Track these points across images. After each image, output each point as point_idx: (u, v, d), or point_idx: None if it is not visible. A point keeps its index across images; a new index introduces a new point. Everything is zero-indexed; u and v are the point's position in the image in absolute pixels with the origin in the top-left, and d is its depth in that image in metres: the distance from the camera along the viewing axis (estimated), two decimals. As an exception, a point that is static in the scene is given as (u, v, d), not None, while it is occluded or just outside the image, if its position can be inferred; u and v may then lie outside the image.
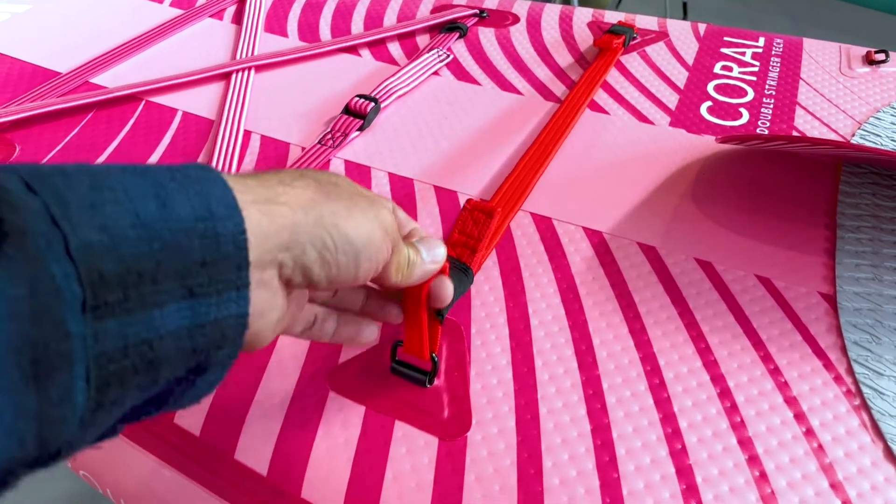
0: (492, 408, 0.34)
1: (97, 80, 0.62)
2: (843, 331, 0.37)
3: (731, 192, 0.47)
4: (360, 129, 0.54)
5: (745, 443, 0.32)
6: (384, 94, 0.57)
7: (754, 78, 0.60)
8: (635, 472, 0.31)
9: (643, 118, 0.55)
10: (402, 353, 0.35)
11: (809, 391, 0.34)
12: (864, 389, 0.34)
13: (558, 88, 0.59)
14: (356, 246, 0.24)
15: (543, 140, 0.51)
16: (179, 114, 0.57)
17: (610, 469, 0.31)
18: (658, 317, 0.38)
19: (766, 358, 0.36)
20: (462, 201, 0.47)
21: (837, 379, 0.35)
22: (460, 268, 0.37)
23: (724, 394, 0.34)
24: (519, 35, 0.68)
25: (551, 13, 0.72)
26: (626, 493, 0.30)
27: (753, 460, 0.31)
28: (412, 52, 0.66)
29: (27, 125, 0.56)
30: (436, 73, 0.62)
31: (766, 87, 0.58)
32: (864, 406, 0.34)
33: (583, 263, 0.42)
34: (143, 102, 0.59)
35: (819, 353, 0.36)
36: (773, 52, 0.63)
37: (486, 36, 0.68)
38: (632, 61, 0.63)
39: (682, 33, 0.67)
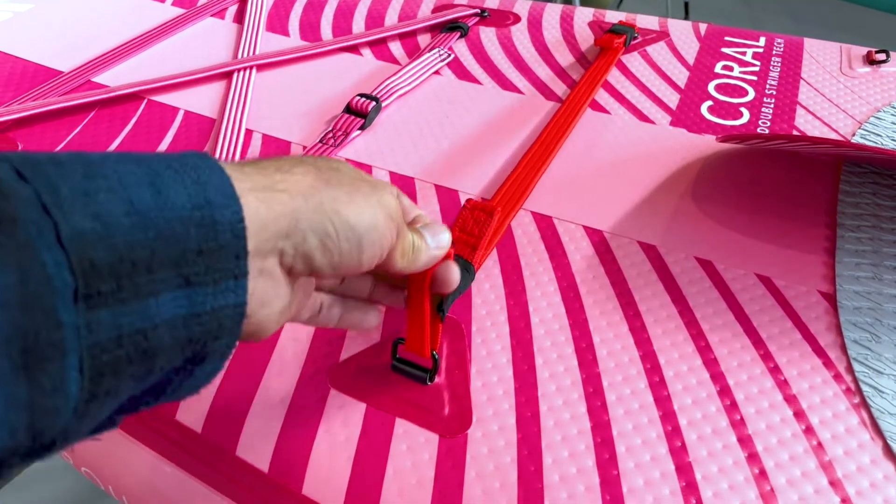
0: (492, 405, 0.34)
1: (99, 78, 0.63)
2: (842, 329, 0.37)
3: (731, 192, 0.47)
4: (362, 128, 0.54)
5: (745, 440, 0.32)
6: (385, 93, 0.57)
7: (755, 77, 0.60)
8: (635, 469, 0.31)
9: (644, 117, 0.55)
10: (402, 351, 0.35)
11: (809, 389, 0.34)
12: (864, 387, 0.34)
13: (559, 88, 0.60)
14: (358, 232, 0.23)
15: (544, 139, 0.51)
16: (181, 113, 0.58)
17: (610, 466, 0.31)
18: (658, 315, 0.38)
19: (766, 356, 0.36)
20: (463, 200, 0.47)
21: (837, 377, 0.35)
22: (461, 265, 0.37)
23: (724, 392, 0.34)
24: (520, 34, 0.68)
25: (552, 13, 0.72)
26: (626, 490, 0.30)
27: (753, 458, 0.32)
28: (413, 52, 0.66)
29: (29, 124, 0.56)
30: (437, 72, 0.62)
31: (767, 86, 0.58)
32: (864, 404, 0.34)
33: (583, 262, 0.42)
34: (145, 101, 0.59)
35: (819, 351, 0.36)
36: (774, 52, 0.63)
37: (488, 35, 0.68)
38: (633, 61, 0.63)
39: (683, 33, 0.67)
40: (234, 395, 0.35)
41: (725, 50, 0.64)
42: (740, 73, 0.61)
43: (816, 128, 0.53)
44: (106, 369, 0.16)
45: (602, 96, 0.58)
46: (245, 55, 0.65)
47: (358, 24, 0.71)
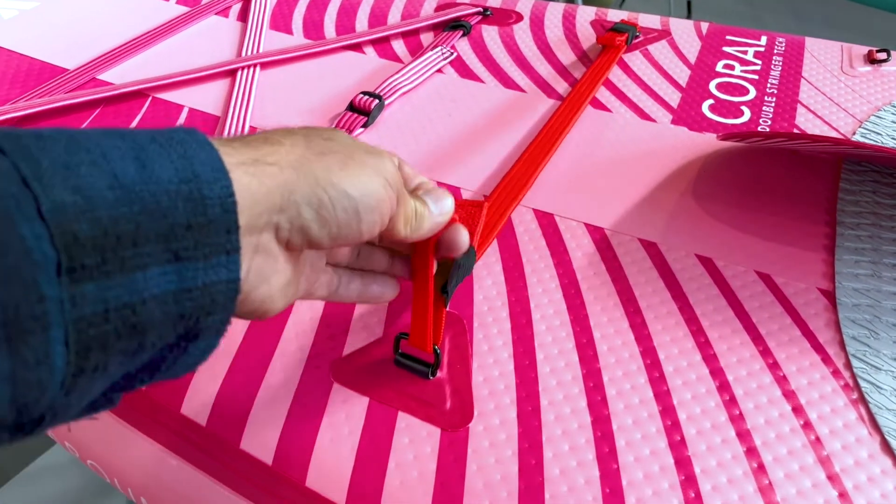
0: (493, 399, 0.34)
1: (104, 76, 0.63)
2: (841, 326, 0.37)
3: (731, 189, 0.47)
4: (365, 125, 0.55)
5: (744, 435, 0.33)
6: (388, 91, 0.57)
7: (756, 76, 0.60)
8: (634, 462, 0.32)
9: (645, 116, 0.55)
10: (405, 346, 0.35)
11: (808, 385, 0.35)
12: (862, 384, 0.34)
13: (561, 86, 0.60)
14: (355, 199, 0.23)
15: (545, 136, 0.52)
16: (186, 110, 0.58)
17: (610, 460, 0.32)
18: (658, 311, 0.39)
19: (766, 352, 0.36)
20: (465, 197, 0.48)
21: (836, 373, 0.35)
22: None
23: (723, 387, 0.35)
24: (522, 33, 0.69)
25: (555, 11, 0.72)
26: (626, 483, 0.31)
27: (751, 452, 0.32)
28: (416, 50, 0.66)
29: (35, 120, 0.57)
30: (439, 70, 0.63)
31: (768, 85, 0.59)
32: (862, 400, 0.34)
33: (584, 259, 0.42)
34: (150, 99, 0.59)
35: (818, 347, 0.36)
36: (776, 51, 0.63)
37: (490, 34, 0.69)
38: (634, 59, 0.63)
39: (685, 32, 0.68)
40: (239, 388, 0.35)
41: (727, 49, 0.64)
42: (741, 71, 0.61)
43: (817, 126, 0.53)
44: (93, 343, 0.16)
45: (604, 95, 0.58)
46: (249, 53, 0.65)
47: (361, 22, 0.71)
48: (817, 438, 0.32)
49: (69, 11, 0.74)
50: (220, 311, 0.19)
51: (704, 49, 0.64)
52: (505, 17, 0.72)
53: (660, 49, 0.65)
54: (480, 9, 0.72)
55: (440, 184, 0.49)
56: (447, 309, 0.38)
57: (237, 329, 0.38)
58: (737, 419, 0.33)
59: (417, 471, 0.32)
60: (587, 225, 0.45)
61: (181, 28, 0.70)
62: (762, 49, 0.64)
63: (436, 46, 0.65)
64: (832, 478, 0.31)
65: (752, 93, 0.58)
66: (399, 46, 0.67)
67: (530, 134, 0.54)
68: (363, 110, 0.55)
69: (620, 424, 0.33)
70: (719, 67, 0.62)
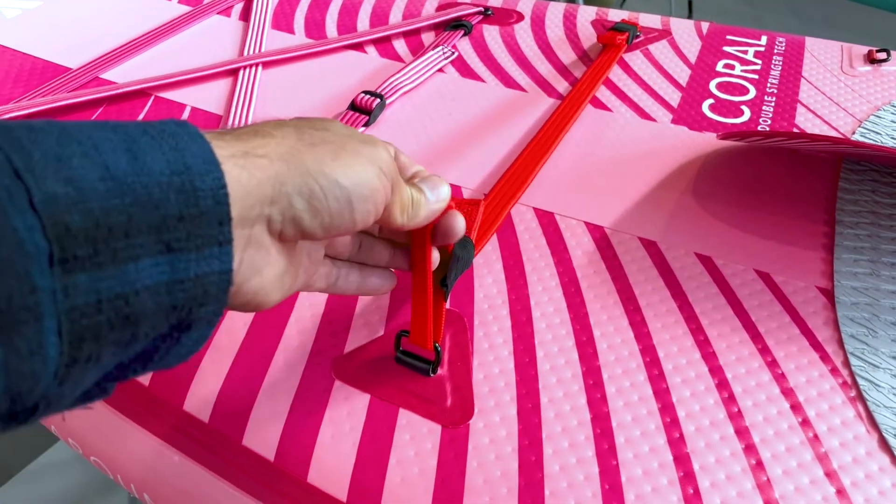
0: (494, 397, 0.35)
1: (107, 75, 0.63)
2: (839, 324, 0.37)
3: (731, 189, 0.47)
4: (366, 124, 0.55)
5: (742, 432, 0.33)
6: (389, 90, 0.57)
7: (756, 76, 0.60)
8: (634, 459, 0.32)
9: (646, 115, 0.56)
10: (406, 343, 0.36)
11: (806, 383, 0.35)
12: (860, 381, 0.35)
13: (561, 85, 0.60)
14: (347, 189, 0.23)
15: (544, 134, 0.52)
16: (188, 109, 0.58)
17: (609, 456, 0.32)
18: (658, 310, 0.39)
19: (764, 350, 0.36)
20: (465, 195, 0.48)
21: (834, 371, 0.35)
22: (461, 239, 0.37)
23: (722, 385, 0.35)
24: (523, 32, 0.69)
25: (555, 11, 0.73)
26: (625, 479, 0.31)
27: (750, 449, 0.32)
28: (417, 50, 0.66)
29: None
30: (440, 70, 0.63)
31: (768, 85, 0.59)
32: (860, 397, 0.34)
33: (584, 257, 0.42)
34: (153, 98, 0.60)
35: (816, 345, 0.37)
36: (776, 51, 0.64)
37: (491, 34, 0.69)
38: (635, 59, 0.64)
39: (686, 31, 0.68)
40: (241, 385, 0.36)
41: (727, 48, 0.65)
42: (742, 71, 0.61)
43: (817, 126, 0.54)
44: (86, 334, 0.16)
45: (604, 94, 0.59)
46: (251, 52, 0.65)
47: (363, 21, 0.71)
48: (815, 436, 0.33)
49: (72, 11, 0.74)
50: (213, 302, 0.20)
51: (705, 49, 0.65)
52: (506, 17, 0.72)
53: (660, 48, 0.65)
54: (481, 8, 0.72)
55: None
56: (447, 305, 0.38)
57: (239, 326, 0.39)
58: (735, 416, 0.33)
59: (418, 467, 0.32)
60: (587, 224, 0.45)
61: (183, 27, 0.70)
62: (762, 49, 0.64)
63: (437, 46, 0.65)
64: (830, 475, 0.31)
65: (752, 92, 0.58)
66: (400, 46, 0.67)
67: (531, 133, 0.54)
68: (365, 109, 0.55)
69: (620, 421, 0.33)
70: (719, 67, 0.62)
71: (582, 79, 0.59)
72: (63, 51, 0.67)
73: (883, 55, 0.60)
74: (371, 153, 0.24)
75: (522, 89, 0.60)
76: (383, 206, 0.25)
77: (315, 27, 0.71)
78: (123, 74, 0.63)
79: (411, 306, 0.33)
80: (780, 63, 0.62)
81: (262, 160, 0.21)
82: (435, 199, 0.28)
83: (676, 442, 0.32)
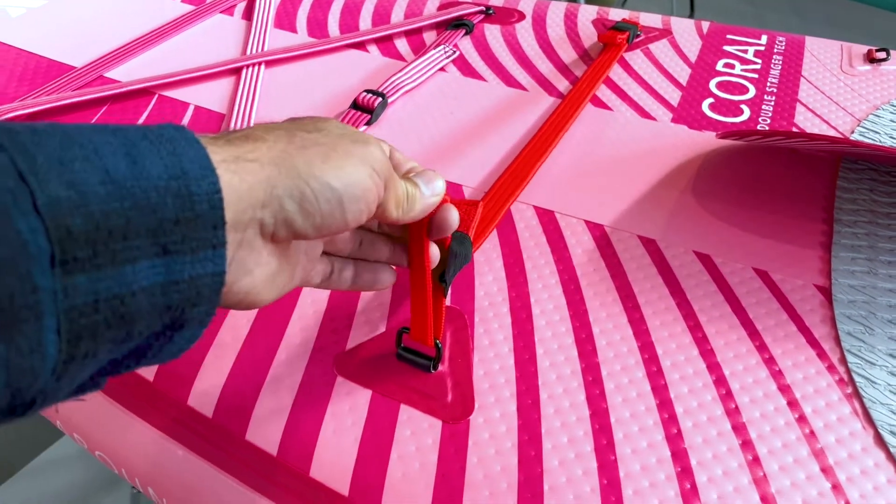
0: (494, 392, 0.35)
1: (111, 74, 0.64)
2: (837, 322, 0.38)
3: (730, 187, 0.47)
4: (368, 123, 0.55)
5: (739, 428, 0.33)
6: (391, 89, 0.58)
7: (756, 75, 0.60)
8: (632, 454, 0.32)
9: (646, 114, 0.56)
10: (407, 340, 0.36)
11: (803, 379, 0.35)
12: (857, 378, 0.35)
13: (562, 84, 0.60)
14: (338, 191, 0.23)
15: (544, 133, 0.52)
16: (191, 108, 0.59)
17: (607, 452, 0.32)
18: (657, 307, 0.39)
19: (762, 347, 0.37)
20: (466, 193, 0.48)
21: (830, 368, 0.36)
22: (459, 236, 0.37)
23: (720, 381, 0.35)
24: (524, 32, 0.69)
25: (557, 10, 0.73)
26: (623, 474, 0.31)
27: (747, 445, 0.32)
28: (419, 49, 0.67)
29: (43, 118, 0.57)
30: (442, 69, 0.63)
31: (768, 84, 0.59)
32: (856, 394, 0.35)
33: (584, 255, 0.43)
34: (156, 96, 0.60)
35: (813, 343, 0.37)
36: (776, 50, 0.64)
37: (492, 33, 0.69)
38: (635, 58, 0.64)
39: (686, 31, 0.68)
40: (244, 381, 0.36)
41: (727, 48, 0.65)
42: (742, 70, 0.61)
43: (816, 125, 0.54)
44: (84, 332, 0.17)
45: (605, 93, 0.59)
46: (254, 51, 0.66)
47: (365, 21, 0.72)
48: (812, 432, 0.33)
49: (76, 10, 0.75)
50: (205, 302, 0.20)
51: (705, 48, 0.65)
52: (507, 16, 0.72)
53: (661, 48, 0.65)
54: (483, 7, 0.73)
55: (442, 181, 0.49)
56: (447, 301, 0.39)
57: (243, 323, 0.39)
58: (733, 413, 0.34)
59: (419, 462, 0.32)
60: (587, 222, 0.45)
61: (187, 26, 0.71)
62: (762, 48, 0.64)
63: (438, 45, 0.65)
64: (826, 470, 0.32)
65: (752, 91, 0.58)
66: (402, 45, 0.68)
67: (532, 131, 0.54)
68: (367, 108, 0.56)
69: (618, 417, 0.34)
70: (719, 66, 0.62)
71: (582, 78, 0.59)
72: (67, 49, 0.67)
73: (882, 55, 0.61)
74: (363, 152, 0.24)
75: (523, 88, 0.60)
76: (376, 204, 0.25)
77: (317, 26, 0.71)
78: (127, 73, 0.64)
79: (411, 302, 0.33)
80: (780, 62, 0.62)
81: (253, 164, 0.21)
82: (430, 192, 0.29)
83: (674, 438, 0.33)
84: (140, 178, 0.18)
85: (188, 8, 0.74)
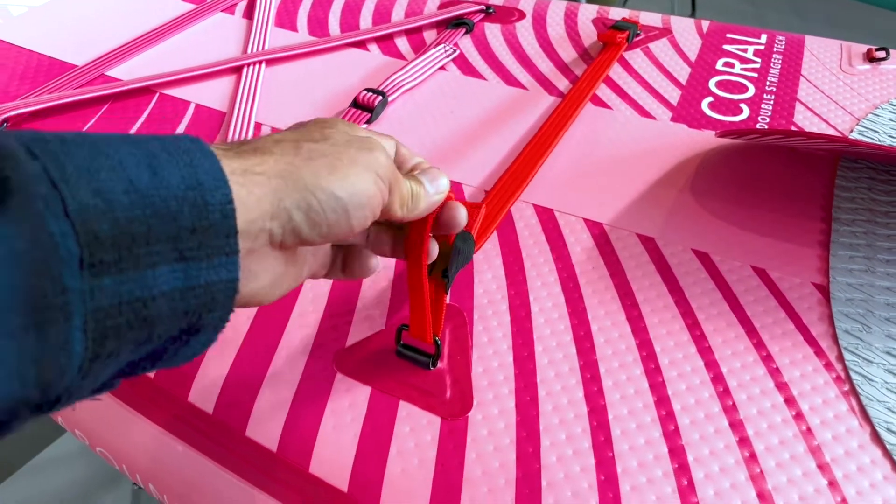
0: (492, 389, 0.35)
1: (112, 72, 0.64)
2: (834, 320, 0.38)
3: (729, 186, 0.48)
4: (368, 122, 0.55)
5: (736, 425, 0.33)
6: (392, 88, 0.58)
7: (755, 74, 0.61)
8: (629, 451, 0.32)
9: (645, 113, 0.56)
10: (406, 337, 0.36)
11: (800, 377, 0.35)
12: (854, 376, 0.35)
13: (562, 83, 0.61)
14: (343, 200, 0.24)
15: (544, 132, 0.52)
16: (192, 106, 0.59)
17: (605, 448, 0.33)
18: (655, 305, 0.39)
19: (759, 345, 0.37)
20: (467, 192, 0.48)
21: (828, 366, 0.36)
22: (462, 234, 0.37)
23: (717, 379, 0.35)
24: (524, 30, 0.69)
25: (557, 9, 0.73)
26: (621, 470, 0.32)
27: (744, 442, 0.33)
28: (419, 47, 0.67)
29: (44, 116, 0.58)
30: (442, 67, 0.63)
31: (767, 83, 0.59)
32: (853, 392, 0.35)
33: (583, 253, 0.43)
34: (157, 95, 0.60)
35: (811, 340, 0.37)
36: (775, 49, 0.64)
37: (492, 32, 0.69)
38: (635, 57, 0.64)
39: (686, 30, 0.68)
40: (245, 378, 0.36)
41: (727, 47, 0.65)
42: (741, 69, 0.61)
43: (815, 124, 0.54)
44: (109, 332, 0.18)
45: (604, 92, 0.59)
46: (254, 50, 0.66)
47: (365, 19, 0.72)
48: (808, 429, 0.33)
49: (77, 8, 0.75)
50: (220, 308, 0.21)
51: (705, 47, 0.65)
52: (507, 15, 0.72)
53: (660, 47, 0.65)
54: (483, 6, 0.73)
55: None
56: (448, 298, 0.39)
57: (243, 320, 0.39)
58: (730, 409, 0.34)
59: (418, 458, 0.32)
60: (586, 220, 0.46)
61: (188, 25, 0.71)
62: (762, 47, 0.65)
63: (439, 44, 0.65)
64: (822, 467, 0.32)
65: (752, 90, 0.58)
66: (402, 44, 0.68)
67: (532, 130, 0.54)
68: (367, 107, 0.56)
69: (616, 414, 0.34)
70: (719, 65, 0.62)
71: (582, 77, 0.60)
72: (69, 48, 0.67)
73: (882, 54, 0.61)
74: (367, 160, 0.25)
75: (523, 87, 0.60)
76: (380, 208, 0.26)
77: (318, 25, 0.71)
78: (128, 72, 0.64)
79: (409, 299, 0.34)
80: (780, 61, 0.62)
81: (260, 177, 0.22)
82: (434, 190, 0.29)
83: (671, 434, 0.33)
84: (160, 188, 0.19)
85: (189, 7, 0.75)
